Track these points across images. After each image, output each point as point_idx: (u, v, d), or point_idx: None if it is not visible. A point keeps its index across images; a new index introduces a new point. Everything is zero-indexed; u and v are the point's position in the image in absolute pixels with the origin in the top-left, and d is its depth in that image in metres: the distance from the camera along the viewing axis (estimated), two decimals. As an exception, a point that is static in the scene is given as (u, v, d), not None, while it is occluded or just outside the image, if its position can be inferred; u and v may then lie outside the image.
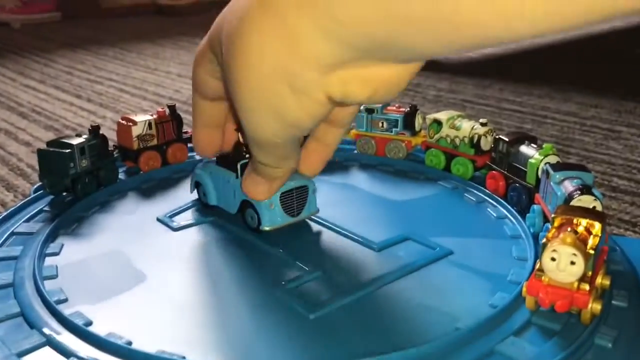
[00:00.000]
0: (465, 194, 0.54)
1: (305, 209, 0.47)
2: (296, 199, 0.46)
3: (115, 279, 0.41)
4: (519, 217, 0.48)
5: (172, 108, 0.60)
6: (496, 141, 0.52)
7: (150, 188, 0.56)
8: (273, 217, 0.45)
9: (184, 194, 0.54)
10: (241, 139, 0.46)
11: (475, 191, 0.54)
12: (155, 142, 0.58)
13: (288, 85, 0.29)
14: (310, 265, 0.42)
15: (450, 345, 0.33)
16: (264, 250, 0.44)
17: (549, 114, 0.92)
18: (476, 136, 0.55)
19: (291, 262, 0.42)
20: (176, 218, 0.49)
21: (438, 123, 0.58)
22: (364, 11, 0.25)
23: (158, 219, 0.49)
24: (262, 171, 0.41)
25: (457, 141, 0.56)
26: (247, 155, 0.46)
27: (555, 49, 1.50)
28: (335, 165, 0.60)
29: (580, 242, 0.33)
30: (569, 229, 0.34)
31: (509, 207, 0.50)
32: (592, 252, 0.33)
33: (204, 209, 0.51)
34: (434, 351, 0.32)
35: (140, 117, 0.58)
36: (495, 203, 0.51)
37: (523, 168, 0.49)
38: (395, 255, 0.44)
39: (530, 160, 0.48)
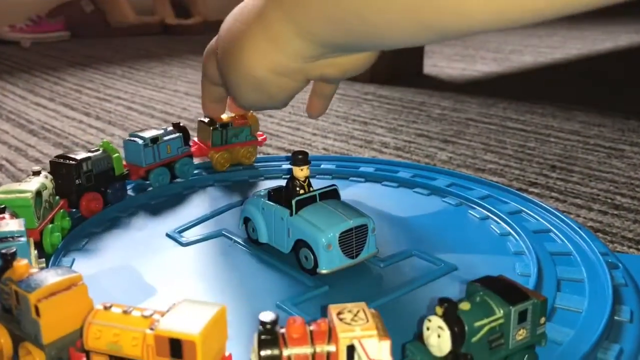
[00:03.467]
0: (469, 211, 0.55)
1: (364, 250, 0.44)
2: (355, 239, 0.43)
3: (125, 292, 0.42)
4: (522, 234, 0.49)
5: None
6: None
7: (159, 204, 0.57)
8: (331, 259, 0.42)
9: (192, 210, 0.55)
10: (294, 174, 0.45)
11: (479, 208, 0.55)
12: (164, 159, 0.59)
13: (273, 72, 0.44)
14: (318, 280, 0.43)
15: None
16: (273, 265, 0.45)
17: (552, 133, 0.93)
18: None
19: (299, 277, 0.43)
20: (185, 234, 0.50)
21: None
22: (328, 29, 0.38)
23: (167, 235, 0.50)
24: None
25: None
26: (301, 192, 0.45)
27: (558, 68, 1.52)
28: (340, 180, 0.61)
29: None
30: None
31: (513, 224, 0.50)
32: None
33: (214, 224, 0.52)
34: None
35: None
36: (499, 220, 0.52)
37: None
38: (401, 271, 0.44)
39: None
